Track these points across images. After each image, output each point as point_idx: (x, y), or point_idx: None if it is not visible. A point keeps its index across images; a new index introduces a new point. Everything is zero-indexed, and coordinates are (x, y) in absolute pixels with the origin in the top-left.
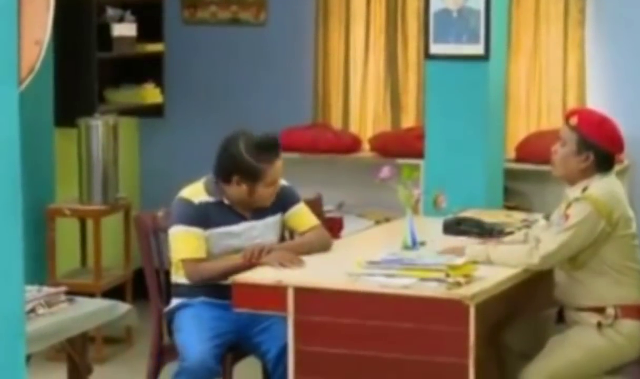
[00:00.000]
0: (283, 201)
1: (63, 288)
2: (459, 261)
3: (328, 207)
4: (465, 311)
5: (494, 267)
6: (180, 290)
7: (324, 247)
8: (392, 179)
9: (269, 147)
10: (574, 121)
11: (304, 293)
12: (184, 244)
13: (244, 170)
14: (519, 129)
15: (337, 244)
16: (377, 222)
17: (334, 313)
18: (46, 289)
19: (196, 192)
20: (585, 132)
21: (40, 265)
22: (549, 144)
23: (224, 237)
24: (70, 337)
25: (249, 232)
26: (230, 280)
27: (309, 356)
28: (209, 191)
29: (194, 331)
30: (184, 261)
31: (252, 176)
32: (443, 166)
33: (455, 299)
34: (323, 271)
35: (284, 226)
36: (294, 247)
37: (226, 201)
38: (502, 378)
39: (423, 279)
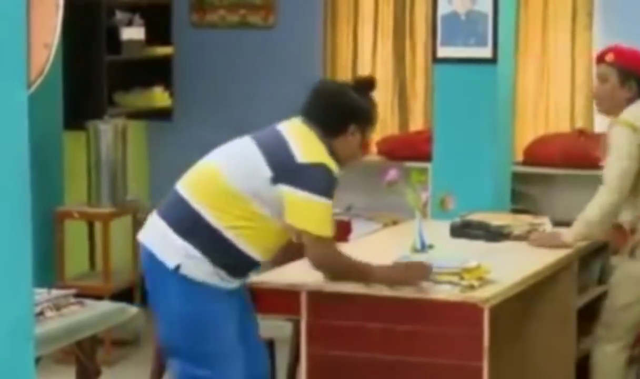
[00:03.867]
0: None
1: (72, 291)
2: (471, 263)
3: (336, 210)
4: (480, 314)
5: (510, 268)
6: (225, 260)
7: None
8: (399, 181)
9: (371, 86)
10: (610, 57)
11: (317, 297)
12: (329, 220)
13: (362, 115)
14: (527, 132)
15: (346, 247)
16: (386, 225)
17: (347, 317)
18: (55, 292)
19: (332, 162)
20: (625, 64)
21: (49, 268)
22: (556, 148)
23: None
24: (79, 339)
25: None
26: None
27: (322, 360)
28: (334, 160)
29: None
30: (325, 239)
31: (367, 121)
32: (451, 169)
33: (470, 302)
34: None
35: None
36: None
37: (339, 176)
38: None
39: (437, 282)
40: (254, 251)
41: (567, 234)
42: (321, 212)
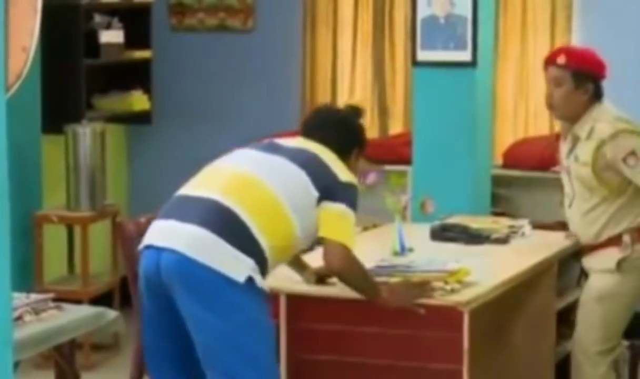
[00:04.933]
0: None
1: (51, 295)
2: (452, 266)
3: None
4: (460, 317)
5: (490, 271)
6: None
7: None
8: (379, 184)
9: (361, 114)
10: (562, 59)
11: (296, 300)
12: (353, 234)
13: (362, 141)
14: (506, 136)
15: None
16: (366, 229)
17: (326, 321)
18: (34, 296)
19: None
20: (578, 66)
21: (27, 272)
22: (536, 151)
23: None
24: (58, 344)
25: None
26: None
27: (301, 363)
28: None
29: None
30: (349, 248)
31: (363, 147)
32: (430, 173)
33: (450, 305)
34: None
35: None
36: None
37: None
38: None
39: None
40: (272, 268)
41: None
42: (351, 225)
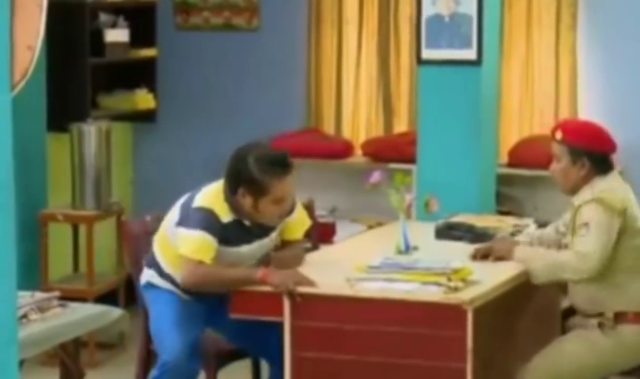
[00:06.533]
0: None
1: (56, 294)
2: (456, 264)
3: (320, 212)
4: (464, 315)
5: (493, 270)
6: (162, 272)
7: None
8: (383, 183)
9: (277, 162)
10: (559, 135)
11: (300, 298)
12: (197, 245)
13: (249, 182)
14: (512, 134)
15: (330, 249)
16: (370, 227)
17: (330, 319)
18: (39, 295)
19: (221, 208)
20: (573, 141)
21: (32, 271)
22: (541, 149)
23: (231, 254)
24: (63, 342)
25: (254, 250)
26: None
27: (305, 362)
28: (231, 209)
29: (169, 325)
30: (189, 259)
31: (256, 189)
32: (435, 171)
33: (453, 303)
34: (319, 276)
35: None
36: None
37: (247, 223)
38: None
39: (425, 284)
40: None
41: (539, 260)
42: (189, 240)
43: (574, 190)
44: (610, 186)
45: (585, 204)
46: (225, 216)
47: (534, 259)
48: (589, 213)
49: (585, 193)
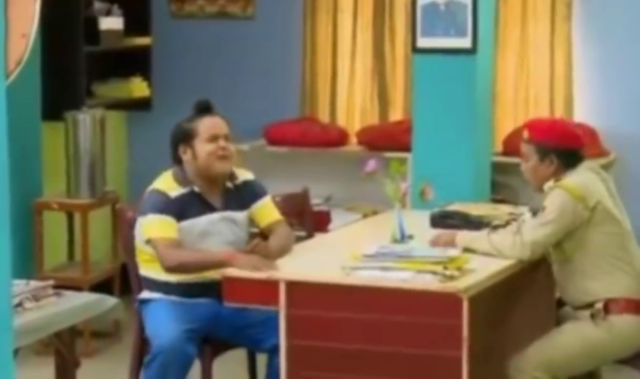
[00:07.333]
0: (250, 195)
1: (50, 282)
2: (452, 252)
3: (315, 200)
4: (459, 304)
5: (489, 258)
6: (150, 284)
7: (290, 246)
8: (378, 172)
9: (197, 107)
10: (525, 134)
11: (295, 287)
12: (159, 227)
13: (181, 135)
14: (506, 123)
15: (325, 237)
16: (365, 216)
17: (326, 307)
18: (34, 283)
19: (169, 184)
20: (539, 140)
21: (27, 259)
22: None
23: (193, 228)
24: (58, 331)
25: (219, 226)
26: (219, 274)
27: (301, 350)
28: (179, 181)
29: (164, 317)
30: (158, 241)
31: (188, 136)
32: (430, 160)
33: (449, 292)
34: (314, 265)
35: (251, 221)
36: (273, 252)
37: (196, 189)
38: None
39: (420, 272)
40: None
41: (480, 242)
42: (149, 226)
43: (542, 187)
44: (579, 177)
45: (550, 189)
46: (173, 190)
47: (476, 240)
48: (551, 198)
49: (553, 183)
